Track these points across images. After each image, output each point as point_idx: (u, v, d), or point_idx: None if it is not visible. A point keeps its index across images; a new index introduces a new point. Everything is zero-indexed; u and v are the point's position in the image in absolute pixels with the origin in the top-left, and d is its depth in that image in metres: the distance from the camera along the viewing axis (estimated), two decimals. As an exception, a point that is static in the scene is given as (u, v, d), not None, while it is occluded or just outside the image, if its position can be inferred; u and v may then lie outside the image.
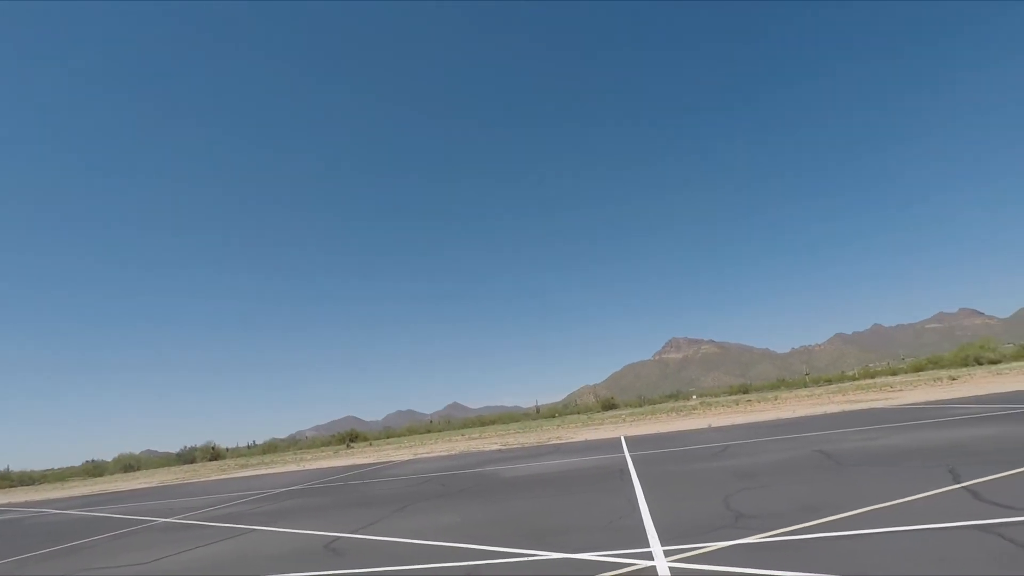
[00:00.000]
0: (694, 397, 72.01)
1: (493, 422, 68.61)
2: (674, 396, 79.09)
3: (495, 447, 24.36)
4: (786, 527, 5.57)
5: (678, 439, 17.52)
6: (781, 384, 72.51)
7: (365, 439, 61.83)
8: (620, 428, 26.88)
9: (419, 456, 25.08)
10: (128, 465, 64.56)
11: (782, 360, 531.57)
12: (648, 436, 20.26)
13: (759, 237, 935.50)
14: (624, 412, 49.98)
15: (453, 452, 24.83)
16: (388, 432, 74.46)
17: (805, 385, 65.19)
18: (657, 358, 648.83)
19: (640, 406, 64.89)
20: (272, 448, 70.51)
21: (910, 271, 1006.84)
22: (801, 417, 20.17)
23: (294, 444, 74.48)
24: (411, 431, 70.52)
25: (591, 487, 9.91)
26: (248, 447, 75.67)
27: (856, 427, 14.47)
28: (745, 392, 65.88)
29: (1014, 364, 45.38)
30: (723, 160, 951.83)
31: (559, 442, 22.74)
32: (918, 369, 61.90)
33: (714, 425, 21.39)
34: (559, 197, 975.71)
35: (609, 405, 71.15)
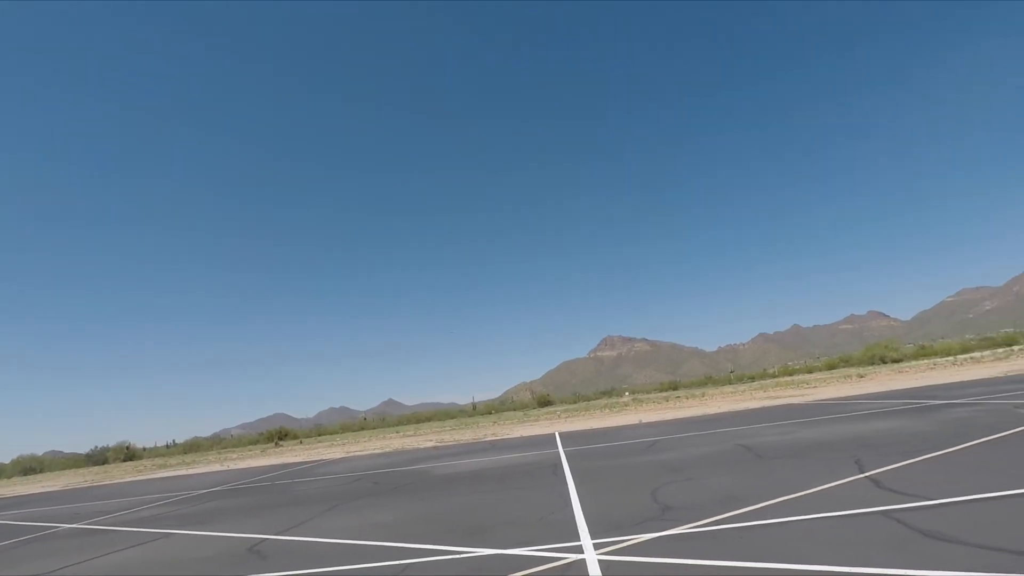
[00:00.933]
0: (627, 394, 74.01)
1: (429, 419, 67.97)
2: (608, 393, 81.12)
3: (430, 444, 24.15)
4: (710, 518, 5.86)
5: (610, 435, 17.96)
6: (708, 381, 75.74)
7: (295, 437, 59.74)
8: (555, 424, 27.28)
9: (352, 454, 24.50)
10: (29, 467, 59.42)
11: (710, 358, 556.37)
12: (582, 432, 20.66)
13: (690, 241, 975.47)
14: (559, 409, 50.75)
15: (387, 450, 24.42)
16: (320, 430, 72.34)
17: (730, 382, 68.42)
18: (592, 356, 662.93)
19: (575, 403, 66.13)
20: (194, 447, 66.98)
21: (826, 275, 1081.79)
22: (725, 412, 21.14)
23: (218, 443, 71.08)
24: (344, 429, 68.72)
25: (525, 483, 10.01)
26: (167, 446, 71.54)
27: (775, 422, 15.34)
28: (675, 389, 68.22)
29: (913, 363, 49.43)
30: (653, 165, 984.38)
31: (495, 438, 22.82)
32: (831, 367, 66.16)
33: (644, 421, 22.07)
34: (495, 195, 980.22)
35: (545, 402, 72.04)
